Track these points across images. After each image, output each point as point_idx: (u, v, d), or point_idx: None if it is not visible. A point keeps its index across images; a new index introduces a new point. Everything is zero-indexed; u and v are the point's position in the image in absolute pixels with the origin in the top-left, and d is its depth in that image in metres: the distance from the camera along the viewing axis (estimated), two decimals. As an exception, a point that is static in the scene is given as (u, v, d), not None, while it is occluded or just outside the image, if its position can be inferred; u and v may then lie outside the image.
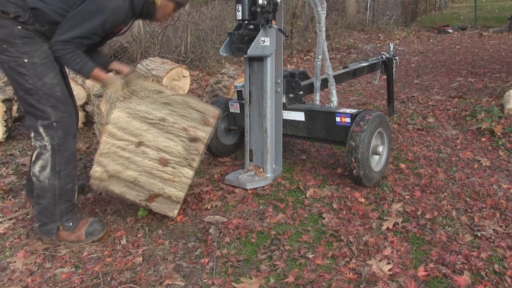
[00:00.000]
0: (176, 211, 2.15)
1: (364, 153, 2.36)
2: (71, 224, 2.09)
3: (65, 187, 2.04)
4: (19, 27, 1.87)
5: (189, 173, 2.09)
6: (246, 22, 2.35)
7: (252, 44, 2.28)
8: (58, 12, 1.92)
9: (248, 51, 2.27)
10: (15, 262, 1.98)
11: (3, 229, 2.28)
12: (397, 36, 10.33)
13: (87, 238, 2.10)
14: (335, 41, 9.24)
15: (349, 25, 11.11)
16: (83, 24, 1.90)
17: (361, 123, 2.39)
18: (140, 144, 2.03)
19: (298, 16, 8.78)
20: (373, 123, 2.42)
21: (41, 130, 1.96)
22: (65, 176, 2.03)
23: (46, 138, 1.97)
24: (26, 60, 1.90)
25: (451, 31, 10.75)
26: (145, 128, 2.03)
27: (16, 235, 2.23)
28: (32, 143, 2.02)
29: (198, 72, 6.60)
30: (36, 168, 2.00)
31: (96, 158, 2.01)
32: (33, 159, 2.02)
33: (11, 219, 2.40)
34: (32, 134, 1.99)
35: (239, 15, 2.34)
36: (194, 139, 2.08)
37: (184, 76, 4.89)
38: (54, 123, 1.96)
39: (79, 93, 3.89)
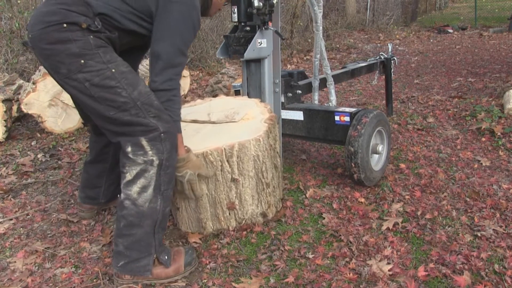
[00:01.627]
0: None
1: (363, 158, 2.36)
2: (166, 257, 1.78)
3: (165, 211, 1.74)
4: (92, 37, 1.59)
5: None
6: (242, 24, 2.34)
7: (249, 46, 2.27)
8: (127, 17, 1.68)
9: (245, 54, 2.26)
10: (15, 262, 1.98)
11: (3, 229, 2.28)
12: (397, 36, 10.33)
13: (186, 269, 1.81)
14: (335, 41, 9.24)
15: (349, 25, 11.11)
16: (180, 44, 1.66)
17: (358, 126, 2.37)
18: None
19: (298, 16, 8.78)
20: (370, 125, 2.41)
21: (144, 143, 1.63)
22: (167, 198, 1.72)
23: (151, 152, 1.63)
24: (113, 70, 1.60)
25: (451, 31, 10.75)
26: None
27: (16, 235, 2.23)
28: (126, 161, 1.66)
29: (198, 72, 6.61)
30: (135, 189, 1.65)
31: None
32: (130, 177, 1.65)
33: (11, 219, 2.40)
34: (129, 149, 1.64)
35: (235, 17, 2.32)
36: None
37: (184, 76, 4.90)
38: (162, 134, 1.64)
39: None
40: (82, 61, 1.56)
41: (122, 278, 1.74)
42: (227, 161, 1.93)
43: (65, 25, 1.55)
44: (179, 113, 1.75)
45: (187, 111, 2.38)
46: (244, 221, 2.11)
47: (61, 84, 1.67)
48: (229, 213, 2.07)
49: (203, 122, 2.25)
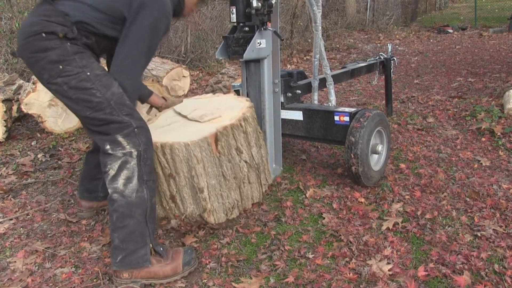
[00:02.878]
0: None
1: (363, 149, 2.36)
2: (161, 249, 1.82)
3: (152, 201, 1.80)
4: (69, 44, 1.71)
5: None
6: (241, 24, 2.33)
7: (248, 47, 2.27)
8: (102, 24, 1.78)
9: (244, 55, 2.26)
10: (15, 262, 1.98)
11: (3, 229, 2.28)
12: (397, 36, 10.33)
13: (184, 269, 1.82)
14: (335, 41, 9.24)
15: (349, 25, 11.11)
16: (147, 49, 1.79)
17: (361, 119, 2.40)
18: None
19: (298, 16, 8.79)
20: (373, 120, 2.42)
21: (121, 139, 1.73)
22: (151, 188, 1.80)
23: (128, 146, 1.74)
24: (88, 73, 1.72)
25: (451, 31, 10.75)
26: None
27: (16, 235, 2.23)
28: (107, 159, 1.75)
29: (198, 72, 6.61)
30: (120, 182, 1.73)
31: None
32: (113, 172, 1.73)
33: (11, 219, 2.40)
34: (108, 147, 1.74)
35: (233, 18, 2.32)
36: None
37: (184, 76, 4.90)
38: (136, 129, 1.75)
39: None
40: (61, 66, 1.69)
41: (121, 277, 1.74)
42: (162, 156, 1.99)
43: (44, 34, 1.67)
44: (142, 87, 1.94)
45: (187, 102, 2.45)
46: (184, 217, 2.10)
47: (46, 88, 1.79)
48: (173, 204, 2.09)
49: (183, 116, 2.29)
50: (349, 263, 1.84)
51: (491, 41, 8.87)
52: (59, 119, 3.80)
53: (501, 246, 1.90)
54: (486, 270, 1.75)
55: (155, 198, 1.83)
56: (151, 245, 1.79)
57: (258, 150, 2.23)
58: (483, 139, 3.26)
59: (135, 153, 1.74)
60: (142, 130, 1.78)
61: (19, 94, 3.99)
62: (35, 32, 1.67)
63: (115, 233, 1.75)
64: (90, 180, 2.29)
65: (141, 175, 1.75)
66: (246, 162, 2.13)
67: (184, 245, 2.05)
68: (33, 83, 3.73)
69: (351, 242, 1.99)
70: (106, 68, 1.87)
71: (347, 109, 2.53)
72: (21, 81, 4.30)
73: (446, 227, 2.08)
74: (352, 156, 2.36)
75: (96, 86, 1.71)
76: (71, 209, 2.47)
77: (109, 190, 1.75)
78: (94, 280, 1.83)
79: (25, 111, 3.73)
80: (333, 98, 2.85)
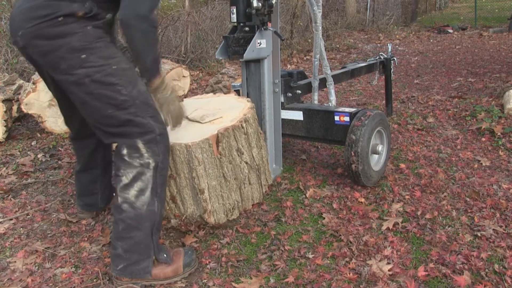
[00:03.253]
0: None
1: (364, 148, 2.36)
2: (165, 255, 1.77)
3: (162, 212, 1.73)
4: (91, 27, 1.53)
5: None
6: (242, 24, 2.33)
7: (248, 47, 2.27)
8: None
9: (245, 55, 2.26)
10: (15, 262, 1.98)
11: (3, 229, 2.28)
12: (397, 36, 10.33)
13: (185, 270, 1.79)
14: (335, 41, 9.24)
15: (349, 25, 11.11)
16: None
17: (362, 118, 2.40)
18: None
19: (298, 16, 8.79)
20: (374, 119, 2.43)
21: (140, 145, 1.60)
22: (162, 200, 1.72)
23: (147, 154, 1.61)
24: (115, 67, 1.55)
25: (451, 31, 10.75)
26: None
27: (16, 235, 2.23)
28: (121, 164, 1.63)
29: (198, 72, 6.61)
30: (132, 193, 1.62)
31: None
32: (126, 181, 1.62)
33: (11, 219, 2.40)
34: (124, 151, 1.61)
35: (234, 18, 2.32)
36: None
37: (184, 76, 4.90)
38: (158, 136, 1.63)
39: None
40: (84, 55, 1.51)
41: (121, 279, 1.73)
42: None
43: (60, 18, 1.48)
44: (157, 46, 1.66)
45: (187, 102, 2.46)
46: (184, 217, 2.10)
47: (59, 81, 1.61)
48: (174, 205, 2.09)
49: (184, 117, 2.29)
50: (349, 263, 1.84)
51: (491, 41, 8.87)
52: (59, 119, 3.80)
53: (501, 246, 1.90)
54: (486, 270, 1.75)
55: (163, 208, 1.76)
56: (154, 257, 1.74)
57: (259, 151, 2.23)
58: (483, 139, 3.26)
59: (152, 164, 1.62)
60: (163, 138, 1.66)
61: (19, 94, 3.99)
62: (48, 16, 1.47)
63: (119, 242, 1.67)
64: (87, 196, 2.24)
65: (155, 187, 1.65)
66: (247, 163, 2.13)
67: (184, 245, 2.05)
68: (33, 83, 3.73)
69: (351, 242, 1.99)
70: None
71: (347, 109, 2.53)
72: (21, 81, 4.30)
73: (446, 227, 2.08)
74: (353, 154, 2.36)
75: (122, 82, 1.56)
76: (71, 209, 2.47)
77: (119, 198, 1.65)
78: (94, 280, 1.83)
79: (25, 111, 3.73)
80: (333, 98, 2.85)
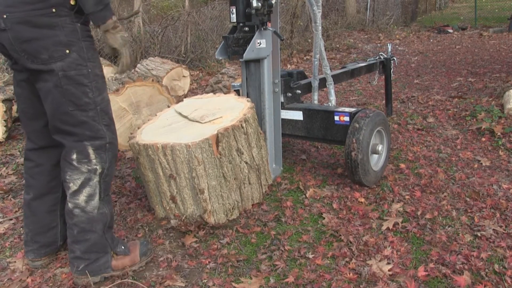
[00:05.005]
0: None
1: (365, 136, 2.36)
2: (123, 247, 1.85)
3: (111, 212, 1.80)
4: (79, 25, 1.57)
5: None
6: (241, 24, 2.33)
7: (248, 47, 2.27)
8: None
9: (244, 55, 2.26)
10: (15, 262, 1.98)
11: (3, 229, 2.28)
12: (397, 36, 10.33)
13: (141, 259, 1.89)
14: (335, 41, 9.24)
15: (349, 25, 11.11)
16: None
17: (367, 111, 2.45)
18: None
19: (298, 16, 8.79)
20: (378, 116, 2.48)
21: (90, 151, 1.67)
22: (109, 201, 1.79)
23: (95, 160, 1.68)
24: (90, 70, 1.62)
25: (451, 31, 10.75)
26: None
27: (16, 235, 2.23)
28: (69, 170, 1.68)
29: (198, 72, 6.61)
30: (82, 198, 1.69)
31: None
32: (75, 187, 1.68)
33: (11, 219, 2.40)
34: (74, 156, 1.66)
35: (233, 18, 2.32)
36: None
37: (184, 76, 4.90)
38: (107, 144, 1.70)
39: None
40: (68, 51, 1.55)
41: (82, 277, 1.77)
42: (163, 157, 2.01)
43: (54, 9, 1.50)
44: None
45: (188, 102, 2.43)
46: (184, 217, 2.11)
47: (31, 69, 1.59)
48: (174, 205, 2.12)
49: (183, 116, 2.29)
50: (349, 263, 1.84)
51: (491, 41, 8.87)
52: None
53: (501, 246, 1.90)
54: (486, 270, 1.75)
55: (112, 207, 1.82)
56: (112, 252, 1.81)
57: (259, 151, 2.23)
58: (483, 139, 3.26)
59: (99, 170, 1.70)
60: (112, 146, 1.73)
61: (19, 94, 3.98)
62: (43, 5, 1.49)
63: (76, 245, 1.73)
64: (44, 234, 1.90)
65: (101, 192, 1.72)
66: (246, 163, 2.13)
67: (184, 245, 2.05)
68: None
69: (351, 242, 1.99)
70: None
71: (347, 109, 2.53)
72: (21, 81, 4.30)
73: (446, 227, 2.08)
74: (354, 141, 2.36)
75: (92, 85, 1.63)
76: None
77: (70, 204, 1.70)
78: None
79: (25, 111, 3.72)
80: (333, 98, 2.85)
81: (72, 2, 1.53)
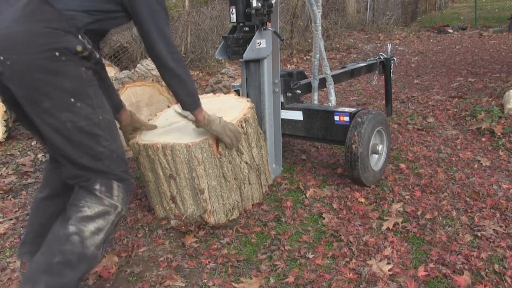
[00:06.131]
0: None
1: (367, 130, 2.38)
2: None
3: (99, 260, 1.55)
4: (84, 69, 1.44)
5: None
6: (241, 24, 2.33)
7: (248, 47, 2.27)
8: (110, 17, 1.53)
9: (244, 55, 2.26)
10: (15, 262, 1.98)
11: (3, 229, 2.28)
12: (397, 36, 10.33)
13: None
14: (335, 41, 9.24)
15: (349, 25, 11.11)
16: (164, 17, 1.56)
17: (369, 109, 2.48)
18: None
19: (298, 16, 8.79)
20: (379, 115, 2.50)
21: (115, 186, 1.53)
22: (105, 249, 1.58)
23: (118, 198, 1.53)
24: (101, 117, 1.48)
25: (451, 31, 10.75)
26: None
27: (16, 235, 2.23)
28: (87, 197, 1.51)
29: (198, 72, 6.61)
30: (91, 228, 1.47)
31: None
32: (89, 213, 1.48)
33: (11, 219, 2.40)
34: (97, 186, 1.50)
35: (233, 18, 2.31)
36: None
37: (184, 76, 4.88)
38: (130, 185, 1.62)
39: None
40: (72, 99, 1.41)
41: None
42: (163, 157, 2.01)
43: (57, 53, 1.36)
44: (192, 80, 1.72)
45: None
46: (184, 218, 2.11)
47: (32, 117, 1.44)
48: (174, 205, 2.12)
49: (183, 116, 2.30)
50: (349, 263, 1.84)
51: (491, 41, 8.87)
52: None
53: (501, 246, 1.90)
54: (486, 270, 1.75)
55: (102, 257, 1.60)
56: None
57: (259, 151, 2.23)
58: (483, 139, 3.26)
59: (119, 209, 1.54)
60: (131, 191, 1.63)
61: (19, 94, 3.99)
62: (46, 48, 1.35)
63: (44, 277, 1.40)
64: (45, 236, 1.64)
65: (109, 232, 1.54)
66: (246, 163, 2.13)
67: (184, 245, 2.05)
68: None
69: (351, 242, 1.99)
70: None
71: (347, 109, 2.53)
72: (21, 81, 4.30)
73: (446, 227, 2.08)
74: (356, 134, 2.37)
75: (105, 134, 1.49)
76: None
77: (71, 227, 1.45)
78: (94, 279, 1.83)
79: (25, 111, 3.72)
80: (333, 98, 2.85)
81: (78, 48, 1.40)
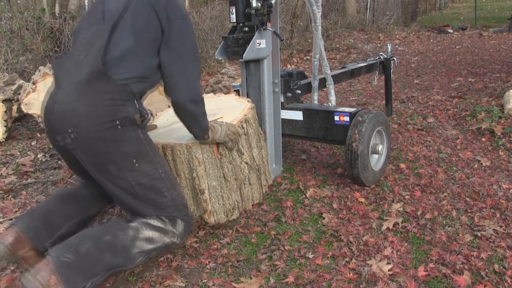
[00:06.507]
0: None
1: (368, 129, 2.38)
2: None
3: (118, 267, 1.58)
4: (141, 132, 1.60)
5: None
6: (241, 24, 2.33)
7: (248, 47, 2.27)
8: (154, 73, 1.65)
9: (244, 55, 2.26)
10: (14, 262, 1.97)
11: (3, 229, 2.28)
12: (397, 36, 10.33)
13: None
14: (335, 41, 9.24)
15: (349, 25, 11.10)
16: (196, 55, 1.65)
17: (370, 107, 2.44)
18: None
19: (298, 16, 8.79)
20: (380, 115, 2.50)
21: (179, 221, 1.70)
22: (136, 263, 1.63)
23: (177, 231, 1.68)
24: (161, 171, 1.63)
25: (451, 31, 10.75)
26: None
27: (16, 235, 2.23)
28: (153, 214, 1.65)
29: (198, 72, 6.60)
30: (146, 233, 1.60)
31: None
32: (151, 222, 1.62)
33: (11, 219, 2.40)
34: (163, 218, 1.67)
35: (233, 18, 2.31)
36: None
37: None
38: (190, 227, 1.79)
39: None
40: (134, 161, 1.56)
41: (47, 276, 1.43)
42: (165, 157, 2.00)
43: (117, 122, 1.50)
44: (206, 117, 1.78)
45: None
46: None
47: (100, 179, 1.60)
48: None
49: None
50: (349, 263, 1.84)
51: (491, 41, 8.87)
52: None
53: (501, 246, 1.90)
54: (486, 270, 1.75)
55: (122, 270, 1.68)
56: None
57: (259, 151, 2.23)
58: (483, 139, 3.26)
59: (175, 238, 1.68)
60: (190, 229, 1.79)
61: (19, 94, 3.99)
62: (108, 119, 1.49)
63: (89, 242, 1.50)
64: (46, 222, 1.71)
65: (156, 250, 1.65)
66: (247, 163, 2.13)
67: (184, 245, 2.05)
68: (33, 83, 3.73)
69: (351, 242, 1.99)
70: None
71: (347, 109, 2.53)
72: (21, 81, 4.30)
73: (446, 227, 2.08)
74: (356, 132, 2.37)
75: (166, 185, 1.64)
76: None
77: (133, 223, 1.60)
78: (94, 280, 1.83)
79: (25, 111, 3.72)
80: (333, 98, 2.85)
81: (136, 117, 1.56)
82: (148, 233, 1.61)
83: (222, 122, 1.93)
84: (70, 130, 1.48)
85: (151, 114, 1.69)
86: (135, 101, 1.59)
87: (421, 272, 1.75)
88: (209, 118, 2.17)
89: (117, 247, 1.54)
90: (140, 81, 1.59)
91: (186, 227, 1.73)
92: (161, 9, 1.57)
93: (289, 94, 2.74)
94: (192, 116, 1.69)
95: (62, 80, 1.55)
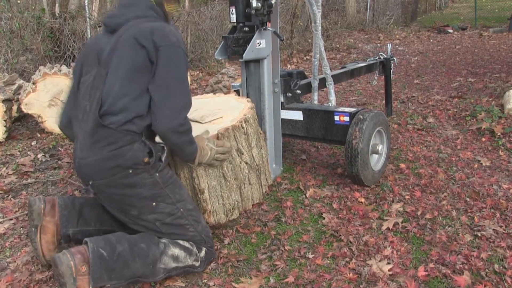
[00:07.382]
0: None
1: (368, 127, 2.38)
2: None
3: (144, 273, 1.67)
4: (158, 174, 1.64)
5: None
6: (241, 24, 2.33)
7: (248, 47, 2.27)
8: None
9: (244, 55, 2.26)
10: (15, 262, 1.98)
11: (3, 229, 2.28)
12: (397, 36, 10.33)
13: None
14: (335, 41, 9.24)
15: (349, 25, 11.11)
16: (182, 84, 1.61)
17: (370, 107, 2.44)
18: None
19: (298, 16, 8.79)
20: (380, 115, 2.51)
21: (203, 249, 1.80)
22: (157, 277, 1.71)
23: (201, 256, 1.79)
24: (182, 209, 1.72)
25: (451, 31, 10.75)
26: None
27: (16, 235, 2.23)
28: (182, 238, 1.77)
29: (198, 72, 6.61)
30: (173, 251, 1.71)
31: None
32: (180, 242, 1.74)
33: (11, 219, 2.40)
34: (191, 241, 1.78)
35: (233, 18, 2.31)
36: None
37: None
38: (213, 256, 1.88)
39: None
40: (154, 203, 1.64)
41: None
42: None
43: (130, 171, 1.58)
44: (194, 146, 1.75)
45: None
46: None
47: (126, 221, 1.72)
48: None
49: None
50: (349, 263, 1.84)
51: (491, 41, 8.87)
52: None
53: (501, 246, 1.90)
54: (486, 270, 1.75)
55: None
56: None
57: (259, 151, 2.23)
58: (483, 139, 3.26)
59: (198, 263, 1.77)
60: (211, 259, 1.87)
61: (19, 94, 3.99)
62: (118, 167, 1.56)
63: (126, 243, 1.64)
64: (81, 213, 1.85)
65: (177, 269, 1.73)
66: (246, 163, 2.13)
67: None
68: (33, 83, 3.74)
69: (351, 242, 1.99)
70: None
71: (347, 109, 2.53)
72: (21, 81, 4.31)
73: (446, 227, 2.08)
74: (357, 130, 2.37)
75: (190, 221, 1.74)
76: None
77: (164, 239, 1.71)
78: (94, 280, 1.83)
79: (25, 111, 3.73)
80: (333, 98, 2.85)
81: (145, 160, 1.60)
82: (176, 251, 1.72)
83: (213, 147, 1.84)
84: (90, 182, 1.62)
85: (165, 148, 1.70)
86: (142, 140, 1.62)
87: (421, 272, 1.75)
88: (209, 118, 2.17)
89: (149, 257, 1.65)
90: (139, 119, 1.60)
91: (208, 255, 1.82)
92: (147, 40, 1.57)
93: (289, 94, 2.74)
94: (175, 145, 1.66)
95: (78, 133, 1.67)
